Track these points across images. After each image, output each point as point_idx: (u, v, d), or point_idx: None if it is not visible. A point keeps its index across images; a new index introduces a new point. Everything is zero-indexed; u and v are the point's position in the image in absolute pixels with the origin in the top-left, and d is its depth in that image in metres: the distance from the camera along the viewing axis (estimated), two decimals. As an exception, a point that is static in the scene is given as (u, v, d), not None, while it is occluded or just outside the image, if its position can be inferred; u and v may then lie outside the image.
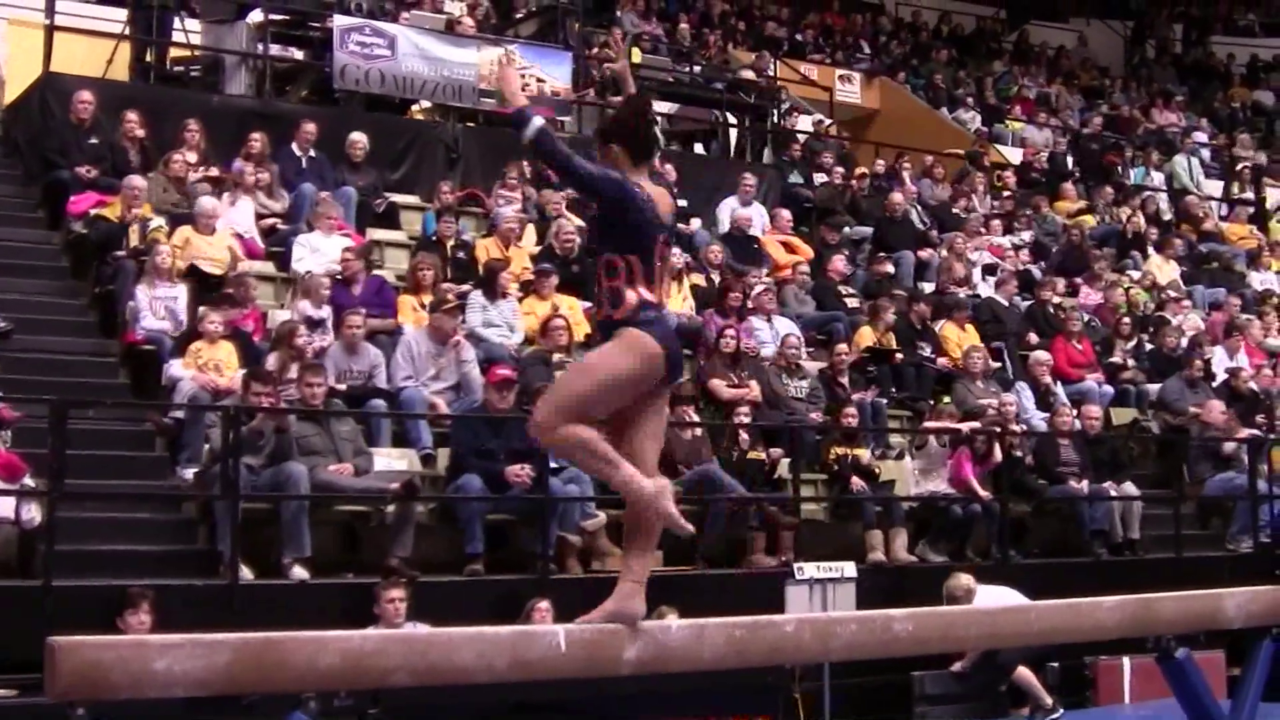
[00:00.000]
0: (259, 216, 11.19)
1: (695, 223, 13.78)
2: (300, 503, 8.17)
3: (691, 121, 16.35)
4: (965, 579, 9.50)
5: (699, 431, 10.02)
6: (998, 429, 11.08)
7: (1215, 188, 20.16)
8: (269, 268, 10.95)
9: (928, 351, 12.58)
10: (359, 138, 12.29)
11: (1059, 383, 12.79)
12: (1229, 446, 12.31)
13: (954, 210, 16.02)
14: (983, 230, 15.43)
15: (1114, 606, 5.44)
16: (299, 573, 8.09)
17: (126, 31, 12.70)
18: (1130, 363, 13.71)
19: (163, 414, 9.04)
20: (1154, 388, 13.36)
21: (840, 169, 16.14)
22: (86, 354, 9.89)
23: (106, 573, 7.68)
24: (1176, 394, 13.07)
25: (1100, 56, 26.10)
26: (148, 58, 12.94)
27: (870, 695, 9.20)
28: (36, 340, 9.62)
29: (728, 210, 14.00)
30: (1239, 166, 20.40)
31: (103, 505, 8.42)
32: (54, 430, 7.59)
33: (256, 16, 12.92)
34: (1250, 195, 19.75)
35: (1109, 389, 13.14)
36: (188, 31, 13.08)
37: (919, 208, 15.67)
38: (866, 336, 12.29)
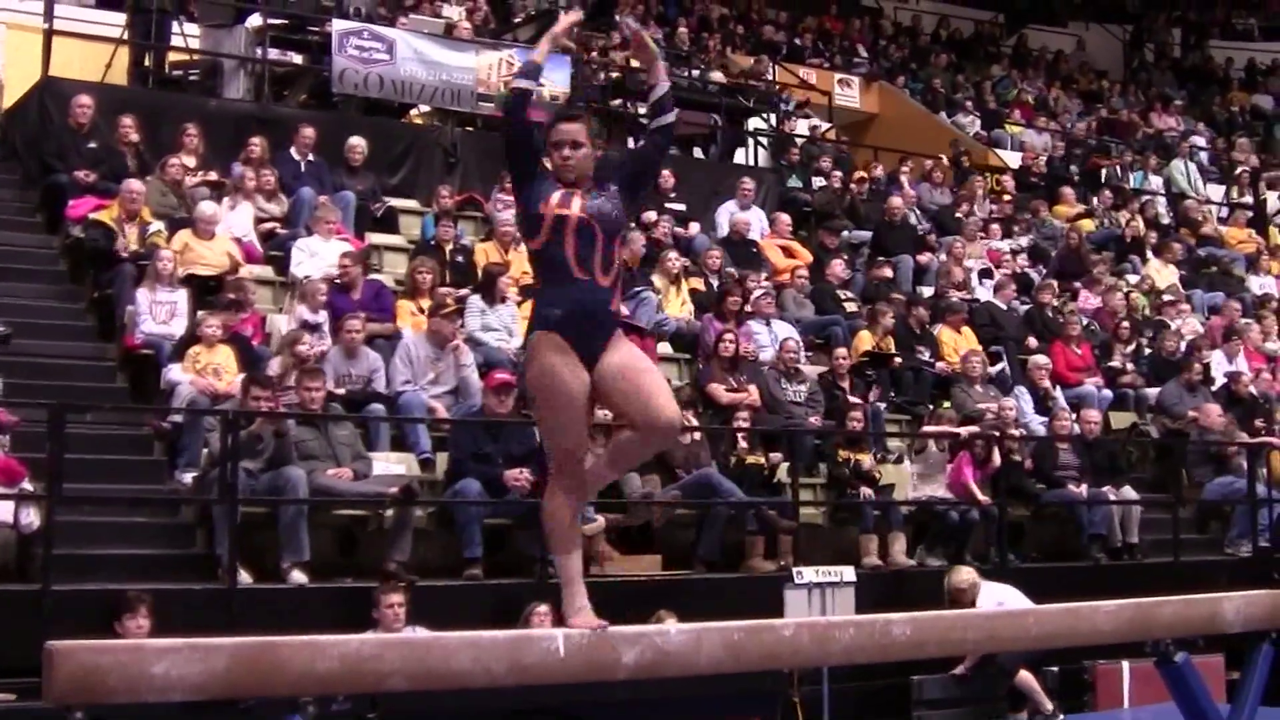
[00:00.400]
0: (258, 221, 11.18)
1: (694, 227, 13.77)
2: (299, 507, 8.16)
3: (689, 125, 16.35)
4: (967, 573, 9.50)
5: (698, 435, 10.01)
6: (997, 433, 11.08)
7: (1214, 192, 20.18)
8: (268, 272, 10.93)
9: (926, 356, 12.57)
10: (358, 142, 12.28)
11: (1058, 387, 12.77)
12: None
13: (955, 215, 16.02)
14: (982, 234, 15.43)
15: (1113, 610, 5.44)
16: (297, 577, 8.08)
17: (125, 36, 12.71)
18: (1129, 367, 13.69)
19: (161, 418, 9.04)
20: (1153, 392, 13.35)
21: (839, 173, 16.16)
22: (85, 358, 9.90)
23: (104, 577, 7.67)
24: (1175, 398, 13.05)
25: (1099, 60, 26.13)
26: (146, 62, 12.95)
27: (869, 699, 9.19)
28: (35, 344, 9.59)
29: (726, 214, 14.01)
30: (1237, 170, 20.42)
31: (101, 509, 8.40)
32: (52, 434, 7.58)
33: (255, 21, 12.93)
34: (1249, 199, 19.76)
35: (1108, 393, 13.12)
36: (186, 36, 13.06)
37: (918, 212, 15.68)
38: (865, 341, 12.27)
